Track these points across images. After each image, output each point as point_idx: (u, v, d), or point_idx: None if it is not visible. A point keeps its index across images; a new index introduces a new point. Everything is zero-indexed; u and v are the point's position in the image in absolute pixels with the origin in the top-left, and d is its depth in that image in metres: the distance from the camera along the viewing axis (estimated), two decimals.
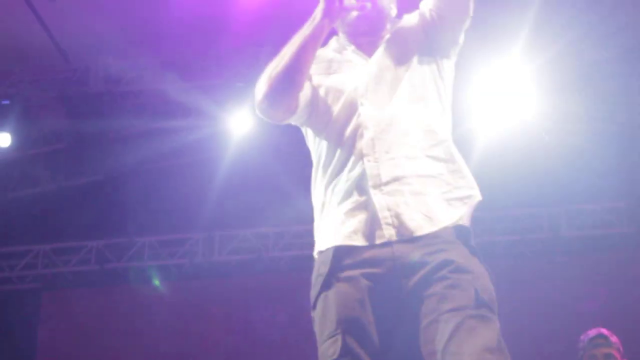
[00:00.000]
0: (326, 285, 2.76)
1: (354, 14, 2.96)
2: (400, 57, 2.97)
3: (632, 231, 9.42)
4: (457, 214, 2.80)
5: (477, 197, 2.89)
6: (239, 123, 9.81)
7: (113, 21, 8.28)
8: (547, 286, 9.25)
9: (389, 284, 2.70)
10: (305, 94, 2.93)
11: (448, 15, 2.97)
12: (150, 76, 9.57)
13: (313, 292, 2.81)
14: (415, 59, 2.97)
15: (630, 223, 9.48)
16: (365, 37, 3.04)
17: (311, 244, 2.94)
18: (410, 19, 3.08)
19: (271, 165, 9.76)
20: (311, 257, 2.91)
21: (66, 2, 7.53)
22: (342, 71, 3.00)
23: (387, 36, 3.04)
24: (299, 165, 10.10)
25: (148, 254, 10.42)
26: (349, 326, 2.68)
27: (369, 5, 2.94)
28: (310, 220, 2.94)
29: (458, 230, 2.78)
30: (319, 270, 2.82)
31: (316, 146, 2.99)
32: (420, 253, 2.70)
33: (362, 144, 2.83)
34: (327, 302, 2.74)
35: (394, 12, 3.13)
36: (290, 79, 2.85)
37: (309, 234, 3.05)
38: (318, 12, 2.88)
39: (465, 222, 2.83)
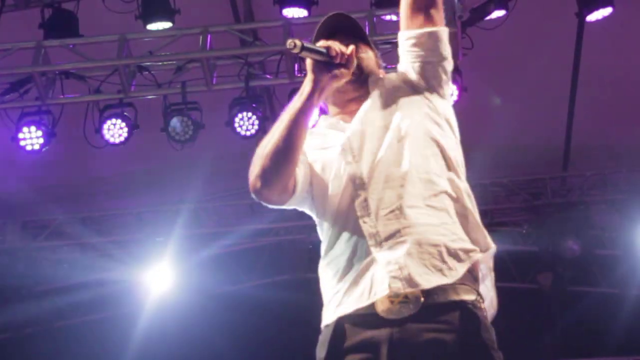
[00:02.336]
0: None
1: (343, 81, 2.80)
2: (385, 108, 2.83)
3: None
4: (462, 268, 2.61)
5: (484, 250, 2.71)
6: (157, 278, 9.71)
7: (31, 179, 8.25)
8: None
9: None
10: (303, 172, 2.78)
11: (424, 63, 2.89)
12: (69, 231, 9.48)
13: None
14: (402, 106, 2.83)
15: None
16: (355, 104, 2.90)
17: None
18: (392, 75, 2.96)
19: (191, 321, 9.63)
20: None
21: None
22: (338, 143, 2.83)
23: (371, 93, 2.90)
24: (220, 320, 9.99)
25: None
26: None
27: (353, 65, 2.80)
28: None
29: (467, 317, 2.58)
30: (319, 354, 2.67)
31: (320, 226, 2.83)
32: (419, 341, 2.54)
33: (355, 206, 2.68)
34: None
35: (381, 74, 3.00)
36: (283, 155, 2.67)
37: None
38: (307, 84, 2.74)
39: (475, 287, 2.65)
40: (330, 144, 2.85)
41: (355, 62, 2.80)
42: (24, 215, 9.48)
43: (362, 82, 2.90)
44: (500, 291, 2.84)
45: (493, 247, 2.75)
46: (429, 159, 2.74)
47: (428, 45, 2.88)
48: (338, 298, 2.67)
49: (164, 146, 7.35)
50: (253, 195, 2.74)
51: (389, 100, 2.86)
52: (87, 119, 7.34)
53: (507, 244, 9.74)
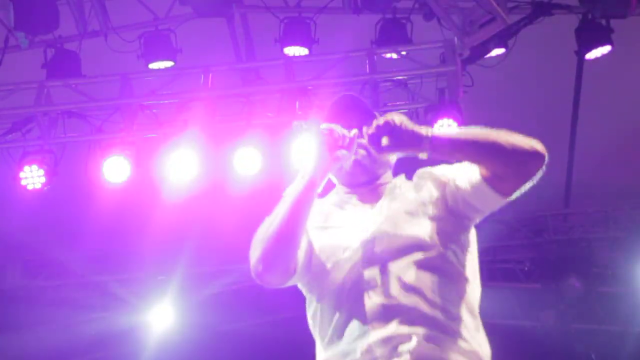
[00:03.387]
0: None
1: (348, 163, 2.77)
2: (411, 214, 2.72)
3: None
4: None
5: None
6: (159, 316, 9.68)
7: (33, 217, 8.24)
8: None
9: None
10: (304, 251, 2.69)
11: (479, 207, 2.73)
12: (71, 270, 9.45)
13: None
14: (428, 219, 2.71)
15: None
16: (365, 187, 2.85)
17: None
18: (428, 176, 2.84)
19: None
20: None
21: None
22: (342, 225, 2.76)
23: (395, 187, 2.84)
24: (222, 359, 9.89)
25: None
26: None
27: (361, 152, 2.78)
28: None
29: None
30: None
31: (312, 307, 2.79)
32: None
33: (368, 309, 2.58)
34: None
35: (392, 158, 2.92)
36: (285, 240, 2.59)
37: None
38: (308, 167, 2.70)
39: None
40: (332, 224, 2.80)
41: (355, 145, 2.75)
42: (24, 254, 9.46)
43: (369, 163, 2.84)
44: (503, 329, 2.84)
45: None
46: (444, 276, 2.65)
47: (485, 207, 2.74)
48: None
49: (164, 184, 7.35)
50: (254, 277, 2.66)
51: (418, 204, 2.75)
52: (89, 158, 7.36)
53: (509, 281, 9.70)
